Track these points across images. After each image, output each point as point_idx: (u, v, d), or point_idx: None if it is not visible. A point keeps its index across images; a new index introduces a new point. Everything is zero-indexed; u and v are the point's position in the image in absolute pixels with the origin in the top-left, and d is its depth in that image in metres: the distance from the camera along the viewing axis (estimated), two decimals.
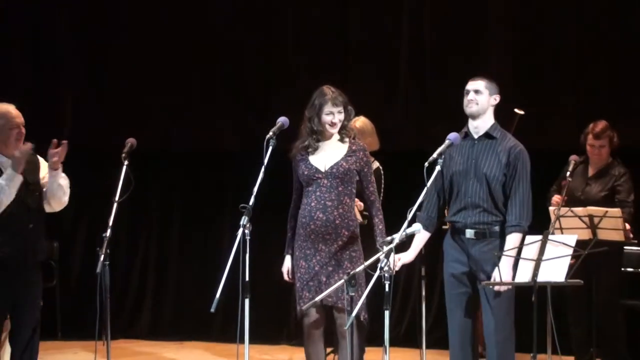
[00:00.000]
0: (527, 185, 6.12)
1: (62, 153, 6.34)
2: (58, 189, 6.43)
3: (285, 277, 6.57)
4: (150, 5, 9.70)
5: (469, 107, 6.24)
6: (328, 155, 6.44)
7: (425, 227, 6.28)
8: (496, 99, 6.27)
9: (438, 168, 5.83)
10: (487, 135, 6.25)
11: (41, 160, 6.48)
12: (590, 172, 7.91)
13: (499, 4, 9.01)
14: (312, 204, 6.38)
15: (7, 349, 6.70)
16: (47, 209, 6.52)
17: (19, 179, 6.21)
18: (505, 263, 5.98)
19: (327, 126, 6.41)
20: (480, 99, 6.22)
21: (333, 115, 6.37)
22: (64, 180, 6.46)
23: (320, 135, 6.45)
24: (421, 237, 6.32)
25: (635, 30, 8.73)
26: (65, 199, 6.52)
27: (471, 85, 6.26)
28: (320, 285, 6.30)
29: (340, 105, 6.38)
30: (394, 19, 9.26)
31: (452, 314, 6.35)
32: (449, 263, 6.34)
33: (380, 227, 6.45)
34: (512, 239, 6.04)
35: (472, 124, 6.29)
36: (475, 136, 6.26)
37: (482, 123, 6.27)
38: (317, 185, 6.40)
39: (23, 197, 6.29)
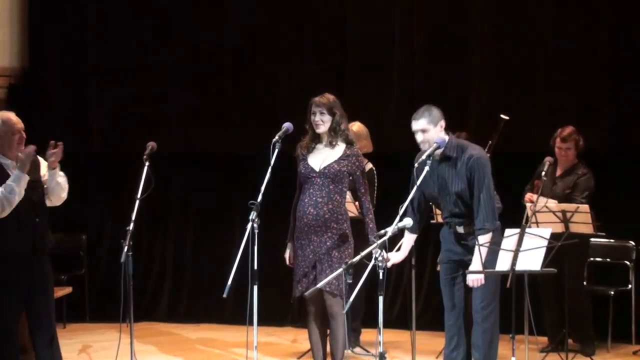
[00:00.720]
0: (486, 190, 6.02)
1: (59, 153, 6.36)
2: (57, 186, 6.46)
3: (287, 262, 6.60)
4: (165, 21, 9.65)
5: (423, 147, 6.09)
6: (323, 157, 6.47)
7: (413, 230, 6.25)
8: (442, 125, 6.13)
9: (427, 169, 5.81)
10: (446, 157, 6.15)
11: (41, 160, 6.49)
12: (558, 172, 7.98)
13: (484, 19, 8.98)
14: (306, 200, 6.43)
15: None
16: (48, 203, 6.51)
17: (25, 179, 6.22)
18: (483, 253, 5.93)
19: (314, 125, 6.44)
20: (429, 136, 6.09)
21: (315, 114, 6.42)
22: (61, 178, 6.49)
23: (315, 136, 6.46)
24: (409, 239, 6.31)
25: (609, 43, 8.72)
26: (64, 195, 6.54)
27: (415, 126, 6.10)
28: (315, 273, 6.34)
29: (322, 107, 6.43)
30: (388, 35, 9.21)
31: (447, 295, 6.32)
32: (444, 251, 6.33)
33: (371, 225, 6.50)
34: (481, 241, 5.97)
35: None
36: (437, 158, 6.15)
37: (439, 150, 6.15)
38: (311, 183, 6.44)
39: (28, 194, 6.29)
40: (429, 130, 6.04)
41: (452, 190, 6.05)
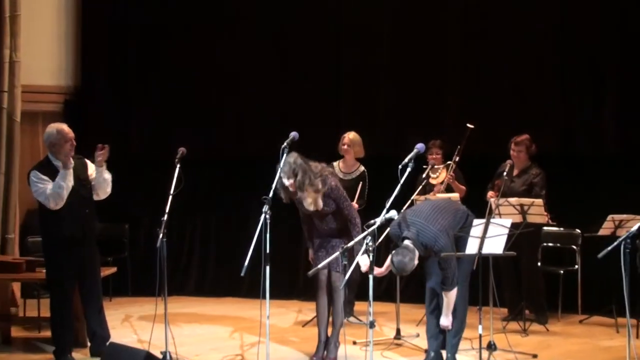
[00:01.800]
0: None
1: (105, 153, 6.48)
2: (103, 182, 6.56)
3: (311, 260, 6.72)
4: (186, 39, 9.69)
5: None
6: (308, 204, 6.38)
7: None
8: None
9: (409, 170, 5.83)
10: None
11: (88, 162, 6.61)
12: (515, 172, 8.00)
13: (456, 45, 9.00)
14: (317, 223, 6.53)
15: None
16: (95, 197, 6.64)
17: (69, 174, 6.35)
18: (363, 258, 5.83)
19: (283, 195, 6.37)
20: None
21: (284, 179, 6.24)
22: (107, 175, 6.60)
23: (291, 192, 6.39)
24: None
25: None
26: (109, 190, 6.65)
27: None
28: (324, 256, 6.40)
29: (284, 172, 6.20)
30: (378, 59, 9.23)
31: (429, 275, 6.34)
32: None
33: (355, 235, 6.34)
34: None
35: None
36: None
37: None
38: (314, 216, 6.51)
39: (78, 190, 6.42)
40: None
41: None
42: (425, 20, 9.07)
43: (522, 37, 8.78)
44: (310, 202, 6.35)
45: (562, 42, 8.69)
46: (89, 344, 6.80)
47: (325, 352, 6.61)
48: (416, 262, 5.81)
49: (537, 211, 7.36)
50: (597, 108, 8.59)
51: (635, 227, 5.79)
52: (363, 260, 5.75)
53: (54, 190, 6.31)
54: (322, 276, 6.50)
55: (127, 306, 8.91)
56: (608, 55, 8.52)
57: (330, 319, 6.66)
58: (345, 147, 7.87)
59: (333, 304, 6.57)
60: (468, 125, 7.12)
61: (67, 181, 6.34)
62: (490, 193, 7.79)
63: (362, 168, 7.90)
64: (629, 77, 8.46)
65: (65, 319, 6.59)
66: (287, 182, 6.23)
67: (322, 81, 9.39)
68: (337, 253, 5.84)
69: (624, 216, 7.42)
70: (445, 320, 6.11)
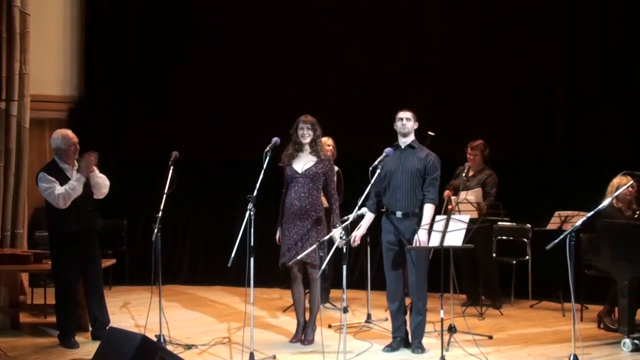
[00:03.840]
0: (436, 176, 6.20)
1: (95, 160, 6.44)
2: (97, 184, 6.55)
3: (277, 241, 6.61)
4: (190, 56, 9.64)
5: (403, 130, 6.25)
6: (304, 162, 6.45)
7: (372, 211, 6.29)
8: (416, 124, 6.30)
9: (378, 171, 5.85)
10: (410, 146, 6.24)
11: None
12: (471, 173, 8.04)
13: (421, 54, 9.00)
14: (292, 195, 6.44)
15: None
16: (95, 197, 6.60)
17: (83, 180, 6.36)
18: (422, 233, 5.99)
19: (301, 138, 6.41)
20: (409, 124, 6.24)
21: (303, 130, 6.43)
22: (99, 178, 6.56)
23: (298, 145, 6.44)
24: (369, 217, 6.34)
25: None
26: (105, 190, 6.63)
27: (403, 114, 6.27)
28: (297, 249, 6.34)
29: (309, 124, 6.45)
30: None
31: (387, 266, 6.38)
32: (385, 234, 6.34)
33: (337, 212, 6.51)
34: (429, 208, 6.11)
35: (401, 140, 6.30)
36: (403, 146, 6.26)
37: (407, 139, 6.28)
38: (295, 182, 6.44)
39: (83, 189, 6.40)
40: (411, 120, 6.25)
41: (408, 168, 6.25)
42: (389, 29, 9.09)
43: (478, 52, 8.82)
44: (307, 160, 6.43)
45: (513, 55, 8.72)
46: (90, 328, 6.76)
47: (304, 335, 6.59)
48: None
49: (493, 209, 7.40)
50: (546, 115, 8.65)
51: (579, 222, 5.83)
52: (337, 235, 5.69)
53: (67, 191, 6.26)
54: (297, 266, 6.48)
55: (126, 294, 8.85)
56: (555, 65, 8.58)
57: (308, 305, 6.64)
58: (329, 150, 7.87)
59: (310, 292, 6.55)
60: (429, 132, 7.14)
61: (80, 186, 6.32)
62: (446, 192, 7.83)
63: (336, 168, 7.91)
64: (573, 87, 8.52)
65: (69, 306, 6.54)
66: (306, 132, 6.40)
67: (303, 87, 9.37)
68: (314, 246, 5.83)
69: (569, 212, 7.48)
70: (423, 235, 6.05)
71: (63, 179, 6.34)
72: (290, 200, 6.43)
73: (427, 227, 5.96)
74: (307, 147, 6.49)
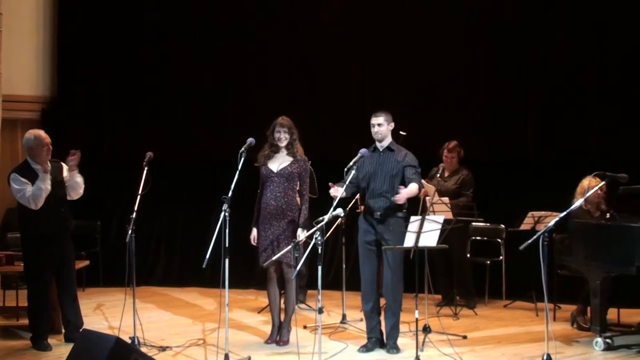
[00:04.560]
0: (418, 169, 6.27)
1: (76, 159, 6.40)
2: (75, 184, 6.50)
3: (252, 242, 6.58)
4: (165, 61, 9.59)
5: (376, 137, 6.26)
6: (279, 162, 6.45)
7: (347, 194, 6.14)
8: (392, 126, 6.31)
9: (353, 172, 5.86)
10: (389, 149, 6.27)
11: (64, 165, 6.52)
12: (447, 174, 8.09)
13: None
14: (268, 194, 6.44)
15: None
16: (68, 198, 6.55)
17: (47, 176, 6.26)
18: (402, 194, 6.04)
19: (277, 141, 6.43)
20: (382, 129, 6.25)
21: (280, 133, 6.45)
22: (79, 178, 6.53)
23: (274, 147, 6.45)
24: (345, 192, 6.07)
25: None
26: (81, 191, 6.59)
27: (374, 120, 6.27)
28: (273, 248, 6.33)
29: (285, 127, 6.46)
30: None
31: (363, 266, 6.40)
32: (362, 233, 6.36)
33: (305, 212, 6.49)
34: (414, 186, 6.14)
35: (378, 144, 6.32)
36: (381, 149, 6.27)
37: (384, 142, 6.29)
38: (271, 181, 6.44)
39: (55, 190, 6.34)
40: (383, 125, 6.22)
41: (386, 170, 6.26)
42: (365, 32, 9.11)
43: (454, 54, 8.87)
44: (282, 160, 6.45)
45: (488, 57, 8.80)
46: (63, 331, 6.69)
47: (279, 336, 6.59)
48: None
49: (467, 209, 7.45)
50: (519, 118, 8.72)
51: (552, 223, 5.88)
52: (303, 235, 5.75)
53: (34, 192, 6.20)
54: (274, 266, 6.47)
55: (99, 296, 8.78)
56: (531, 71, 8.66)
57: (283, 306, 6.63)
58: None
59: (285, 293, 6.55)
60: (401, 132, 7.18)
61: (46, 184, 6.25)
62: (422, 191, 7.79)
63: (310, 168, 8.00)
64: (547, 89, 8.60)
65: (41, 308, 6.48)
66: (282, 136, 6.41)
67: (277, 87, 9.34)
68: (290, 246, 5.82)
69: (542, 213, 7.54)
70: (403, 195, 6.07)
71: (35, 180, 6.28)
72: (266, 200, 6.42)
73: (411, 192, 6.02)
74: (283, 150, 6.49)
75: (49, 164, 6.32)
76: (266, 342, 6.62)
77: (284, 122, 6.47)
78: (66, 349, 5.82)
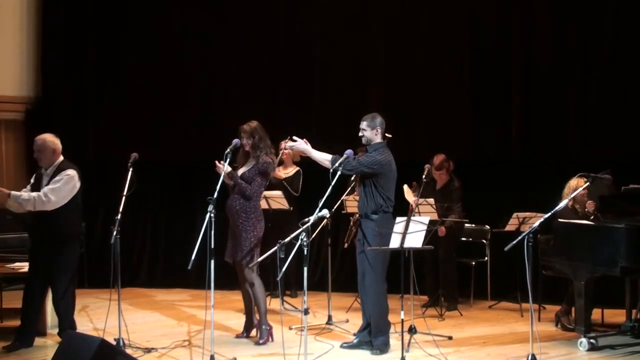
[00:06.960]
0: (366, 161, 6.19)
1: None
2: (20, 207, 6.25)
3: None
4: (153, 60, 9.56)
5: (362, 140, 6.30)
6: (246, 167, 6.55)
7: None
8: (378, 130, 6.28)
9: (339, 173, 5.87)
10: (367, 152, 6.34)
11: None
12: (438, 186, 8.11)
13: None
14: (230, 197, 6.52)
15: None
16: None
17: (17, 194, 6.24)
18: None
19: (244, 147, 6.50)
20: (366, 134, 6.25)
21: (243, 139, 6.46)
22: (21, 203, 6.23)
23: (245, 152, 6.55)
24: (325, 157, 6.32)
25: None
26: (30, 208, 6.25)
27: (361, 124, 6.29)
28: (230, 249, 6.51)
29: (246, 133, 6.46)
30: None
31: (358, 263, 6.40)
32: (358, 232, 6.44)
33: (239, 182, 6.43)
34: (329, 156, 6.26)
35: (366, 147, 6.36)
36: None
37: (369, 147, 6.30)
38: (231, 186, 6.50)
39: None
40: (367, 129, 6.25)
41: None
42: (351, 35, 9.13)
43: (437, 55, 8.91)
44: (247, 165, 6.48)
45: (471, 58, 8.85)
46: (47, 331, 6.67)
47: (258, 335, 6.65)
48: None
49: (427, 209, 7.48)
50: (503, 118, 8.75)
51: (536, 224, 5.91)
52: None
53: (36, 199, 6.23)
54: (238, 270, 6.54)
55: (84, 297, 8.70)
56: (512, 69, 8.69)
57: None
58: (287, 152, 7.87)
59: (252, 293, 6.57)
60: (386, 134, 7.22)
61: (18, 204, 6.20)
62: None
63: (297, 168, 8.03)
64: (532, 92, 8.64)
65: (28, 309, 6.45)
66: (245, 142, 6.42)
67: (262, 88, 9.37)
68: (276, 247, 5.80)
69: (527, 214, 7.58)
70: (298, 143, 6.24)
71: (42, 184, 6.37)
72: (229, 202, 6.48)
73: (307, 149, 6.20)
74: (249, 153, 6.54)
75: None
76: (236, 336, 6.73)
77: (245, 128, 6.49)
78: (51, 350, 5.79)
